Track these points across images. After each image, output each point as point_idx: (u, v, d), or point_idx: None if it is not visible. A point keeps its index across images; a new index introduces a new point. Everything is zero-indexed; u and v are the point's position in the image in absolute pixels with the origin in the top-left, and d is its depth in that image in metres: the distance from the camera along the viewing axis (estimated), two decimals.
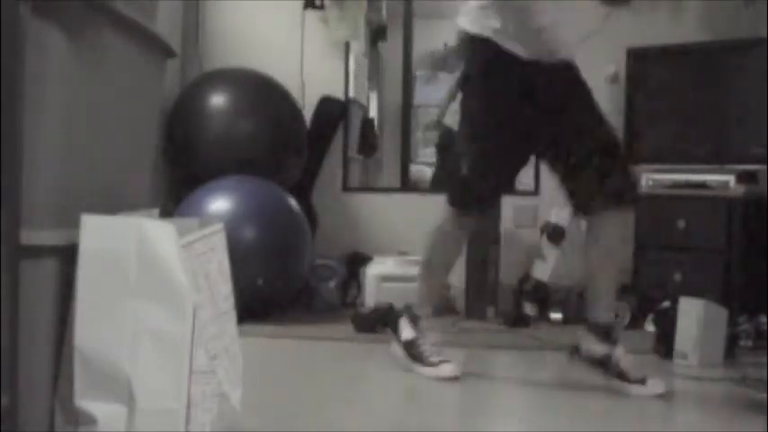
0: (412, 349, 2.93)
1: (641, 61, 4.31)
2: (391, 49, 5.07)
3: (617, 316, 4.01)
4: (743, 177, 3.93)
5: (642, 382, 2.68)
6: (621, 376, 2.70)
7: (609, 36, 4.51)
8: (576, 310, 4.21)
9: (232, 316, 1.78)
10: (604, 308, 2.81)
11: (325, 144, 4.80)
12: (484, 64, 2.78)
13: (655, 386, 2.67)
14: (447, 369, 2.83)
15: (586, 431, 2.30)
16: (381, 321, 3.69)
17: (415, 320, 2.99)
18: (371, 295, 4.19)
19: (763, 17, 4.18)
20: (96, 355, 1.50)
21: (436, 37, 5.12)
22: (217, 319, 1.69)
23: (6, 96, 1.40)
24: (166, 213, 2.17)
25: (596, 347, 2.77)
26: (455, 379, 2.80)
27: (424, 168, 5.10)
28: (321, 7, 4.77)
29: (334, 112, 4.81)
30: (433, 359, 2.87)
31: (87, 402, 1.51)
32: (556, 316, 4.14)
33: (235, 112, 4.27)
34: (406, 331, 2.97)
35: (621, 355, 2.74)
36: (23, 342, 1.44)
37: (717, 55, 4.15)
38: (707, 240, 3.94)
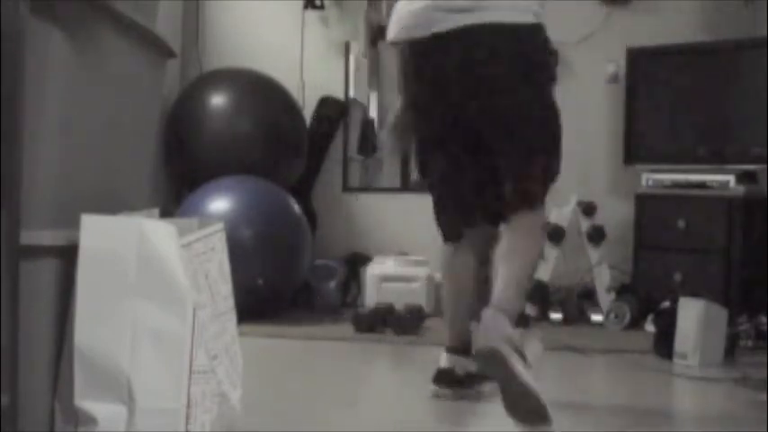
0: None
1: (641, 61, 4.31)
2: (391, 49, 5.06)
3: (616, 316, 4.02)
4: (743, 177, 3.94)
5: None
6: None
7: (609, 36, 4.53)
8: (576, 311, 4.22)
9: (232, 316, 1.78)
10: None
11: (326, 144, 4.80)
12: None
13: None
14: None
15: (586, 431, 2.29)
16: (381, 321, 3.70)
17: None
18: (371, 295, 4.20)
19: (763, 17, 4.19)
20: (96, 355, 1.50)
21: None
22: (217, 319, 1.69)
23: (6, 96, 1.40)
24: (167, 213, 2.17)
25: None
26: None
27: None
28: (321, 7, 4.78)
29: (334, 112, 4.81)
30: None
31: (87, 402, 1.51)
32: (556, 316, 4.14)
33: (235, 112, 4.27)
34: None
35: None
36: (23, 342, 1.44)
37: (717, 55, 4.15)
38: (707, 240, 3.94)
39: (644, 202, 4.19)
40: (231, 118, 4.26)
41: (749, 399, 2.63)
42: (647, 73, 4.31)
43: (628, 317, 3.99)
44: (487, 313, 2.28)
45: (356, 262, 4.53)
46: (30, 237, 1.46)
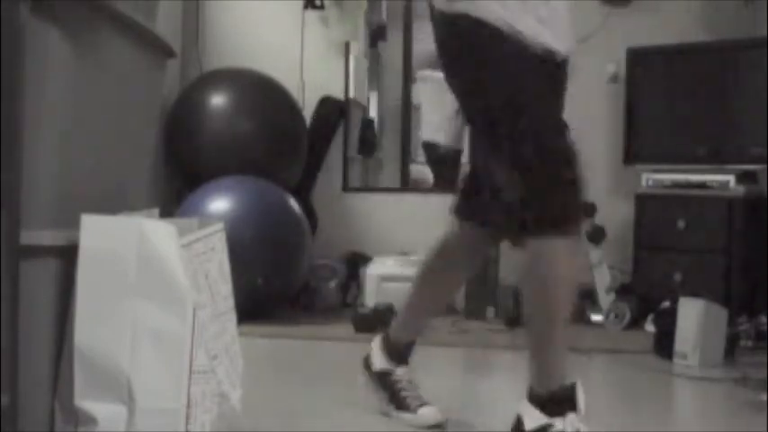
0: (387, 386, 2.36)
1: (641, 61, 4.31)
2: (391, 49, 5.07)
3: (616, 316, 4.02)
4: (743, 177, 3.94)
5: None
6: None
7: (609, 36, 4.53)
8: (577, 311, 4.22)
9: (232, 316, 1.78)
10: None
11: (326, 144, 4.80)
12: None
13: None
14: (429, 415, 2.28)
15: (586, 431, 2.29)
16: (381, 321, 3.70)
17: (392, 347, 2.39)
18: (371, 295, 4.20)
19: (763, 17, 4.18)
20: (96, 355, 1.50)
21: None
22: (217, 319, 1.69)
23: (6, 96, 1.40)
24: (167, 213, 2.17)
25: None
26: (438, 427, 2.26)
27: (424, 168, 5.10)
28: (321, 7, 4.77)
29: (334, 112, 4.81)
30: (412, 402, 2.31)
31: (87, 402, 1.51)
32: None
33: (235, 112, 4.27)
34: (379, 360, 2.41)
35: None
36: (23, 342, 1.44)
37: (717, 55, 4.15)
38: (707, 240, 3.94)
39: (644, 202, 4.19)
40: (231, 118, 4.26)
41: (749, 399, 2.63)
42: (647, 73, 4.30)
43: (628, 317, 3.99)
44: None
45: (356, 262, 4.53)
46: (30, 237, 1.47)
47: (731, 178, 3.94)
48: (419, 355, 3.32)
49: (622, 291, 4.14)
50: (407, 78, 4.90)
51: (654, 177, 4.18)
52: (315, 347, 3.43)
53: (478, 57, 1.95)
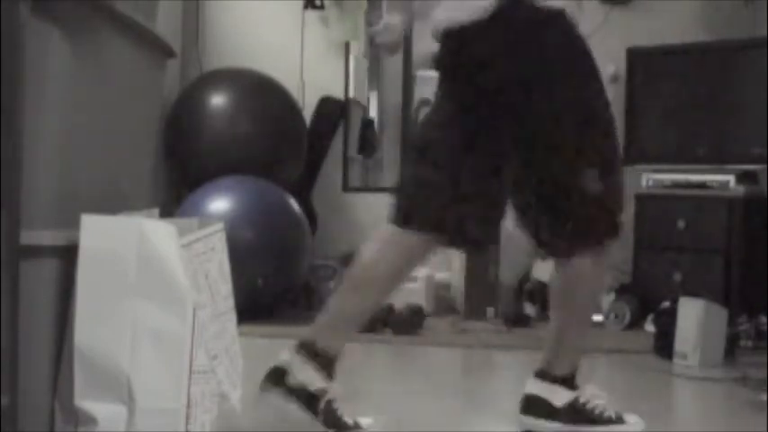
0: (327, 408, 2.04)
1: (641, 61, 4.31)
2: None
3: (617, 316, 4.02)
4: (743, 177, 3.94)
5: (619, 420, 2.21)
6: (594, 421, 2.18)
7: (609, 36, 4.53)
8: None
9: (232, 316, 1.78)
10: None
11: (326, 144, 4.80)
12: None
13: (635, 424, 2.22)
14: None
15: (586, 430, 2.29)
16: (381, 321, 3.70)
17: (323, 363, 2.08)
18: None
19: (763, 17, 4.18)
20: (96, 355, 1.50)
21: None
22: (217, 319, 1.69)
23: (6, 96, 1.40)
24: (167, 213, 2.17)
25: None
26: None
27: None
28: (321, 7, 4.78)
29: (334, 112, 4.81)
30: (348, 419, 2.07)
31: (87, 402, 1.51)
32: None
33: (235, 112, 4.27)
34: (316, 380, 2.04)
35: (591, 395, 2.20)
36: (23, 342, 1.44)
37: (717, 55, 4.15)
38: (707, 240, 3.94)
39: (644, 202, 4.19)
40: (231, 118, 4.26)
41: (749, 399, 2.63)
42: (647, 73, 4.30)
43: (628, 317, 3.99)
44: None
45: None
46: (30, 237, 1.47)
47: (731, 178, 3.94)
48: (419, 355, 3.32)
49: (622, 291, 4.14)
50: (407, 78, 4.90)
51: (654, 177, 4.18)
52: None
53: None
